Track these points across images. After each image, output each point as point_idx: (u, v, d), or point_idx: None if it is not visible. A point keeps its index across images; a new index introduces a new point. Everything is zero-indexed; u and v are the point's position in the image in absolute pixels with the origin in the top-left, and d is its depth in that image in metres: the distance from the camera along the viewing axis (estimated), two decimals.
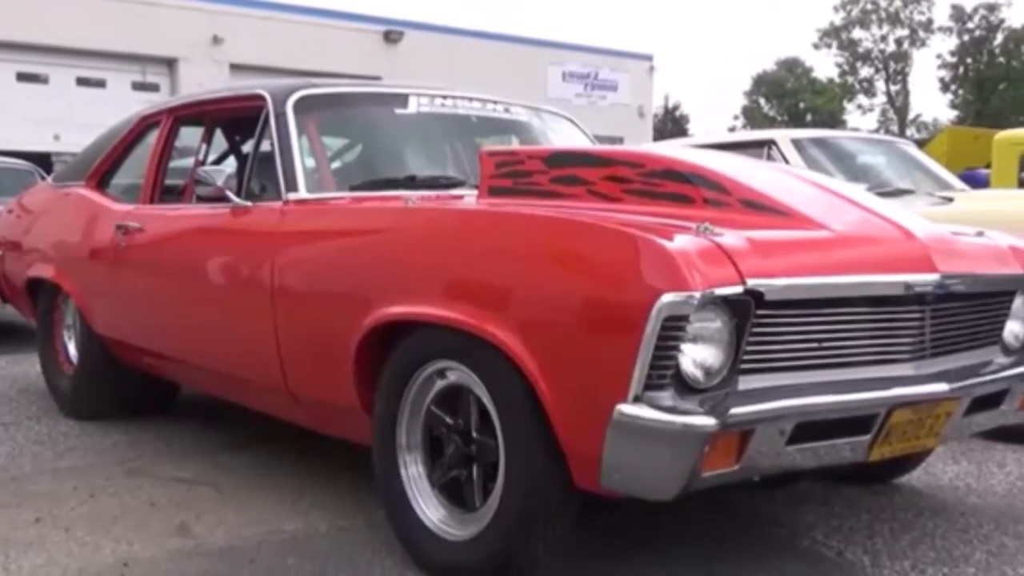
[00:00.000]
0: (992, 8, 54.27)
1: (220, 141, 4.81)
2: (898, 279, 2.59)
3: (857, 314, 2.55)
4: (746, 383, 2.38)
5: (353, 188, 3.59)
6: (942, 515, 3.49)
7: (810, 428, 2.38)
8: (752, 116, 60.47)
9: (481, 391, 2.67)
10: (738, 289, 2.28)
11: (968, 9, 54.94)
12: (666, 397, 2.25)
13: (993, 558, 3.08)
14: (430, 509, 2.88)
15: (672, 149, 3.75)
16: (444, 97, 4.02)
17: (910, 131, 52.99)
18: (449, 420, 2.83)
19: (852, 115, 58.88)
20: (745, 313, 2.32)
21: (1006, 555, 3.11)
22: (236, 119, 4.41)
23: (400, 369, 2.89)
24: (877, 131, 45.50)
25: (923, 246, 2.67)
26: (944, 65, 56.74)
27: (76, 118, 18.52)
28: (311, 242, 3.30)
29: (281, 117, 3.61)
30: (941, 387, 2.62)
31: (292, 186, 3.47)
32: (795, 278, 2.40)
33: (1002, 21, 54.37)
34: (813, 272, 2.47)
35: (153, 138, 4.61)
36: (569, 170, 3.09)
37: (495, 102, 4.20)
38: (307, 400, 3.36)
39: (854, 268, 2.56)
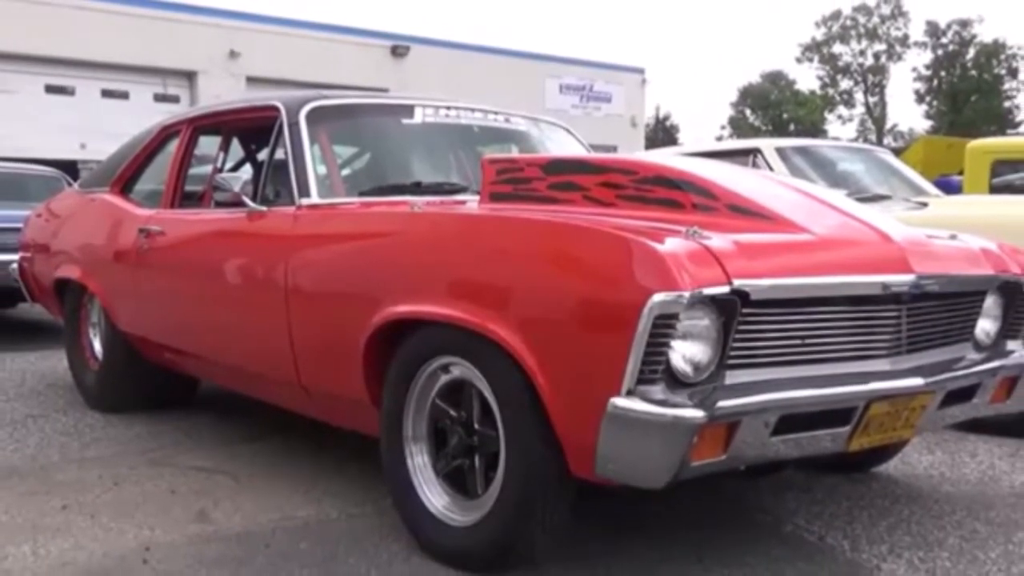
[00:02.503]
0: (965, 24, 54.27)
1: (237, 149, 4.81)
2: (876, 279, 2.59)
3: (837, 312, 2.55)
4: (733, 378, 2.38)
5: (362, 194, 3.59)
6: (917, 502, 3.49)
7: (793, 420, 2.37)
8: (738, 126, 60.44)
9: (483, 385, 2.67)
10: (725, 289, 2.28)
11: (942, 25, 54.96)
12: (657, 391, 2.25)
13: (966, 543, 3.08)
14: (435, 496, 2.88)
15: (663, 157, 3.75)
16: (448, 108, 4.01)
17: (887, 140, 52.95)
18: (453, 412, 2.83)
19: (832, 125, 58.93)
20: (732, 312, 2.32)
21: (978, 540, 3.11)
22: (252, 128, 4.41)
23: (406, 365, 2.89)
24: (856, 140, 45.48)
25: (899, 248, 2.67)
26: (919, 78, 56.73)
27: (101, 128, 18.51)
28: (322, 245, 3.30)
29: (294, 127, 3.61)
30: (916, 381, 2.62)
31: (305, 192, 3.47)
32: (779, 279, 2.40)
33: (974, 36, 54.39)
34: (796, 273, 2.46)
35: (173, 146, 4.61)
36: (566, 177, 3.09)
37: (496, 113, 4.20)
38: (318, 394, 3.36)
39: (834, 269, 2.56)
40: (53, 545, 3.00)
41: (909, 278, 2.62)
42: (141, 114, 15.48)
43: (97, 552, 2.95)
